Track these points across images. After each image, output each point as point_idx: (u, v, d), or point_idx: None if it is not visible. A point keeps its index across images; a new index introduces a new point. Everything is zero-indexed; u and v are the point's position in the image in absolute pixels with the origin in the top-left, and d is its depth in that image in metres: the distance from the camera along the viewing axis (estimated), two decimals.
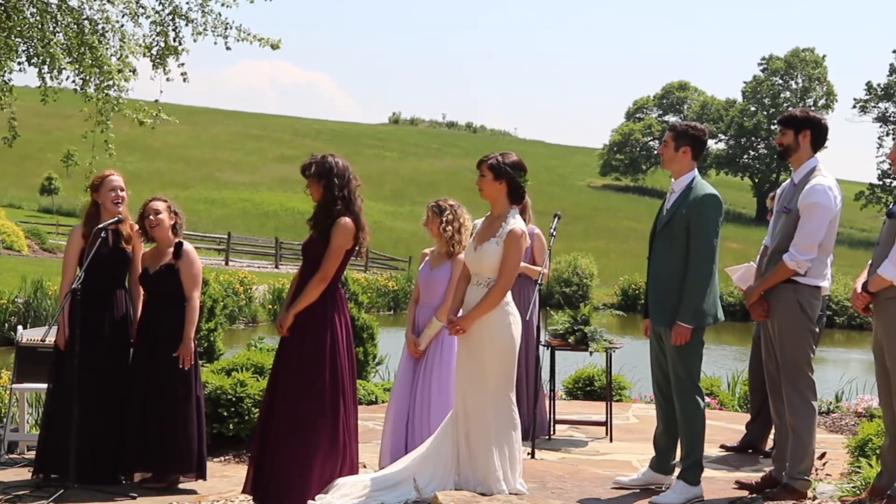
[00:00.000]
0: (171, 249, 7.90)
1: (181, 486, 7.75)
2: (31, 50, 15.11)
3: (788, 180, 7.27)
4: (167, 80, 15.81)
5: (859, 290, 6.71)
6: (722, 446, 9.22)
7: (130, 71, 15.54)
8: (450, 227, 7.96)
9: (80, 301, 7.62)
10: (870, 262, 6.72)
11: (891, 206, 6.73)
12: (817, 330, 7.14)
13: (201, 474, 7.82)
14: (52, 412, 7.82)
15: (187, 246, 7.92)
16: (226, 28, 15.55)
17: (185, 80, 15.93)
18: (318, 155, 7.26)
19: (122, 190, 7.98)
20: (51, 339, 8.33)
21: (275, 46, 15.75)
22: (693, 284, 7.00)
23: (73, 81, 15.41)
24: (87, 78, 15.19)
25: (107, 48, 15.26)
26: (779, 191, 7.42)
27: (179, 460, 7.71)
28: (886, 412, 6.74)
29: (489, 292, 6.91)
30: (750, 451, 9.09)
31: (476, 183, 7.13)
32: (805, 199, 6.89)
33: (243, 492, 7.25)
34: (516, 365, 7.09)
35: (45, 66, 15.11)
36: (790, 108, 7.62)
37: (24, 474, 8.08)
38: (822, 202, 6.87)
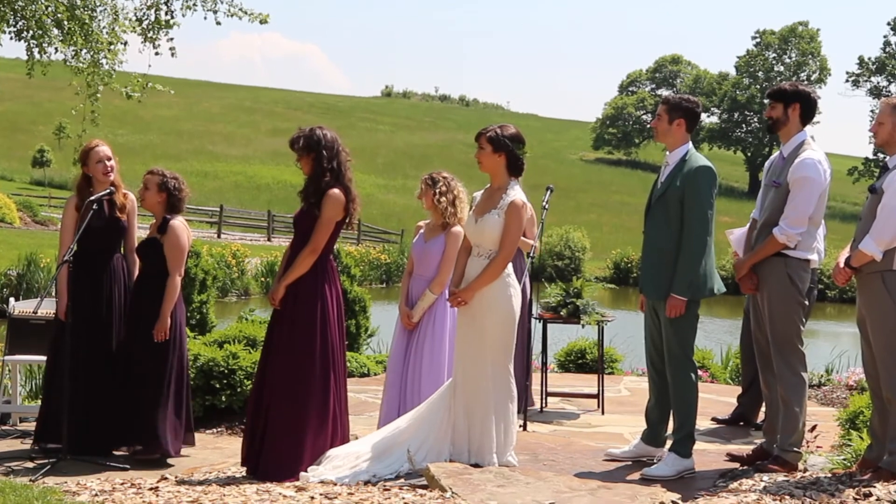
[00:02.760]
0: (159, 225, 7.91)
1: (173, 458, 7.76)
2: (21, 24, 15.04)
3: (777, 153, 7.27)
4: (156, 54, 15.78)
5: (842, 264, 6.74)
6: (713, 419, 9.25)
7: (122, 44, 15.49)
8: (444, 199, 7.96)
9: (72, 273, 7.62)
10: (854, 237, 6.75)
11: (874, 182, 6.75)
12: (807, 303, 7.16)
13: (190, 441, 7.85)
14: (50, 384, 7.84)
15: (174, 222, 7.87)
16: (215, 2, 15.49)
17: (173, 55, 15.89)
18: (307, 128, 7.25)
19: (108, 160, 7.96)
20: (43, 311, 8.33)
21: (263, 21, 15.70)
22: (687, 257, 7.00)
23: (64, 53, 15.36)
24: (78, 51, 15.14)
25: (98, 23, 15.21)
26: (767, 164, 7.41)
27: (164, 433, 7.70)
28: (872, 384, 6.79)
29: (490, 264, 6.94)
30: (741, 423, 9.12)
31: (475, 156, 7.14)
32: (795, 174, 6.89)
33: (242, 464, 7.26)
34: (515, 336, 7.12)
35: (34, 41, 15.06)
36: (779, 83, 7.57)
37: (17, 445, 8.10)
38: (811, 176, 6.87)
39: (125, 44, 15.59)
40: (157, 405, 7.67)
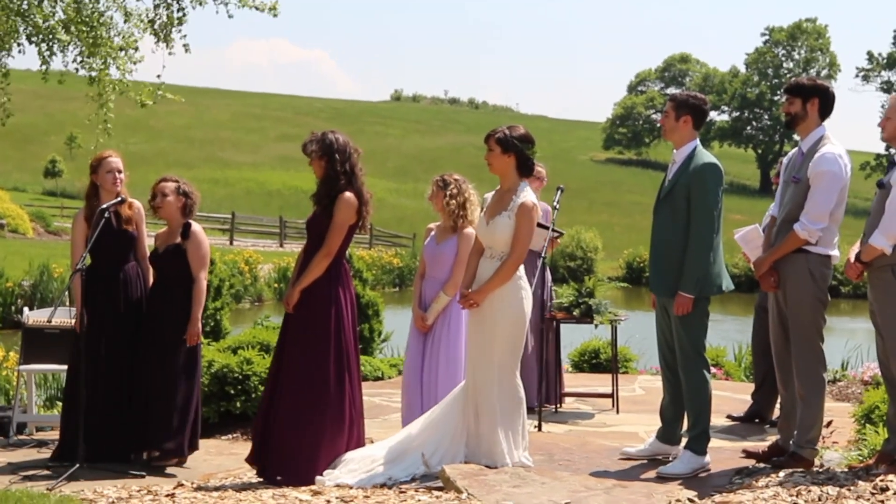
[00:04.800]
0: (180, 230, 7.94)
1: (186, 458, 7.80)
2: (30, 29, 15.08)
3: (796, 149, 7.23)
4: (170, 53, 15.84)
5: (853, 260, 6.74)
6: (728, 416, 9.24)
7: (134, 49, 15.52)
8: (454, 202, 7.96)
9: (86, 282, 7.64)
10: (864, 232, 6.74)
11: (882, 178, 6.75)
12: (829, 299, 7.13)
13: (192, 450, 7.87)
14: (69, 394, 7.87)
15: (195, 227, 7.95)
16: None
17: (187, 50, 15.92)
18: (319, 132, 7.31)
19: (119, 172, 7.98)
20: (57, 320, 8.35)
21: (273, 10, 15.67)
22: (694, 254, 7.00)
23: (74, 61, 15.40)
24: (89, 58, 15.18)
25: (108, 27, 15.25)
26: (785, 160, 7.38)
27: (179, 439, 7.74)
28: (887, 376, 6.78)
29: (502, 266, 6.94)
30: (756, 420, 9.11)
31: (484, 157, 7.13)
32: (816, 168, 6.85)
33: (246, 460, 7.29)
34: (524, 340, 7.12)
35: (45, 45, 15.09)
36: (795, 78, 7.50)
37: (34, 455, 8.13)
38: (833, 170, 6.84)
39: (136, 49, 15.61)
40: (174, 411, 7.69)
